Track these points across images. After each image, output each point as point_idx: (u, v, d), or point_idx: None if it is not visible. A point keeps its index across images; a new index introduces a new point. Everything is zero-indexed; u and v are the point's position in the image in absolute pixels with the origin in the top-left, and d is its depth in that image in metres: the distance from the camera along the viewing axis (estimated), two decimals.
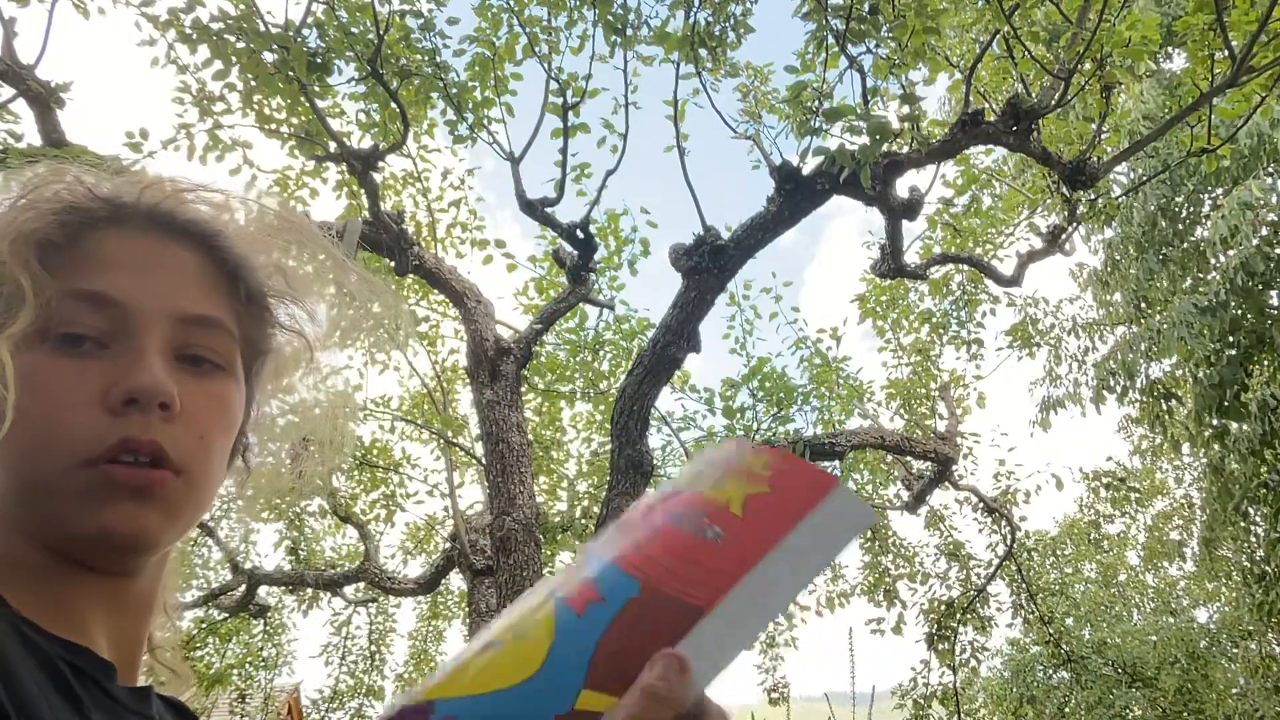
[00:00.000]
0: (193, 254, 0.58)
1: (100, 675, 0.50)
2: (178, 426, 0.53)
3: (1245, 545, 7.80)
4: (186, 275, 0.57)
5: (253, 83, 3.58)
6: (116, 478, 0.50)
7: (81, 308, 0.52)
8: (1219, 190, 6.90)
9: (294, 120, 4.10)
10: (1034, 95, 3.69)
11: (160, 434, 0.52)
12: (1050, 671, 9.33)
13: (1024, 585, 7.64)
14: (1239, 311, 5.96)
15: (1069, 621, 9.08)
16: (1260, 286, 5.97)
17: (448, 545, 6.34)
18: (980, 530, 7.35)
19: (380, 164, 3.98)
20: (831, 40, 3.19)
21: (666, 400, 9.75)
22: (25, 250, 0.51)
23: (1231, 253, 6.07)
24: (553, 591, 0.41)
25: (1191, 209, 7.31)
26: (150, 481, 0.51)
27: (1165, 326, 6.21)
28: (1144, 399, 7.41)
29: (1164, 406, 7.33)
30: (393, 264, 4.36)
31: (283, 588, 7.58)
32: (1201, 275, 6.97)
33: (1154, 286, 7.52)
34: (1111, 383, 7.03)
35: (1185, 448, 8.35)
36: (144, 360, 0.52)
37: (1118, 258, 7.83)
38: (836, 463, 6.77)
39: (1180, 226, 7.31)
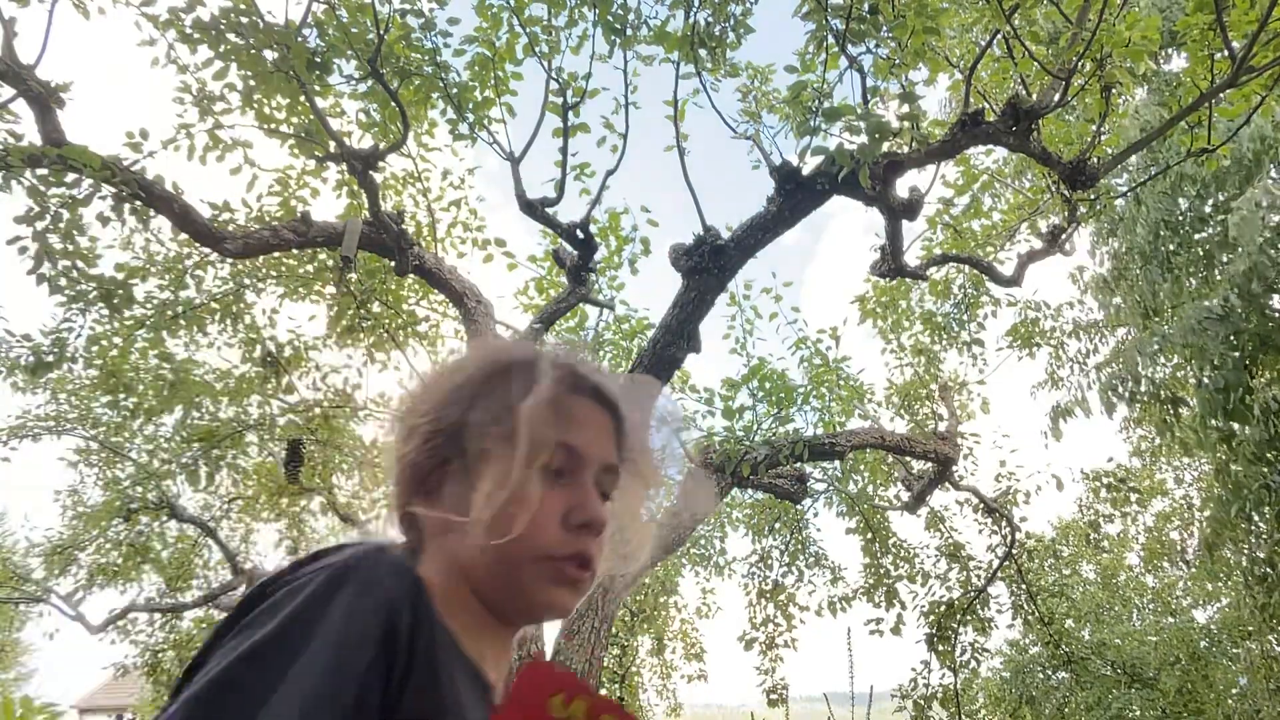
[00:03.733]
0: (608, 418, 0.83)
1: (489, 693, 0.73)
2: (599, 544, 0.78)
3: (1246, 547, 7.80)
4: (605, 433, 0.82)
5: (253, 82, 3.58)
6: (568, 574, 0.75)
7: (559, 453, 0.77)
8: (1222, 195, 6.89)
9: (294, 120, 4.10)
10: (1034, 95, 3.69)
11: (595, 551, 0.77)
12: (1050, 672, 9.33)
13: (1024, 586, 7.63)
14: (1244, 314, 5.96)
15: (1069, 622, 9.08)
16: (1265, 291, 5.97)
17: None
18: (980, 531, 7.34)
19: (380, 164, 3.99)
20: (831, 40, 3.18)
21: None
22: (550, 416, 0.77)
23: (1239, 251, 6.06)
24: None
25: (1194, 216, 7.31)
26: (584, 580, 0.76)
27: (1172, 333, 6.21)
28: (1150, 403, 7.40)
29: (1171, 411, 7.32)
30: (393, 264, 4.36)
31: None
32: (1207, 281, 6.97)
33: (1159, 292, 7.52)
34: (1120, 389, 7.02)
35: (1191, 451, 8.35)
36: (592, 496, 0.78)
37: (1123, 266, 7.83)
38: (838, 463, 6.77)
39: (1184, 232, 7.30)
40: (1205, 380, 6.17)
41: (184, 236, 4.48)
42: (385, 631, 0.62)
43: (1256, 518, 6.88)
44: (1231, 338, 6.05)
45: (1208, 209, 7.18)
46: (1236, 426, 6.33)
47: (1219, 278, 6.23)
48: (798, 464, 5.60)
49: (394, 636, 0.62)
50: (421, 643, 0.64)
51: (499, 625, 0.77)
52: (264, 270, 5.35)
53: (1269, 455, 6.27)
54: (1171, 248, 7.30)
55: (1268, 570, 7.35)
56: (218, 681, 0.57)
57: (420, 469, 0.78)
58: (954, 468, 6.59)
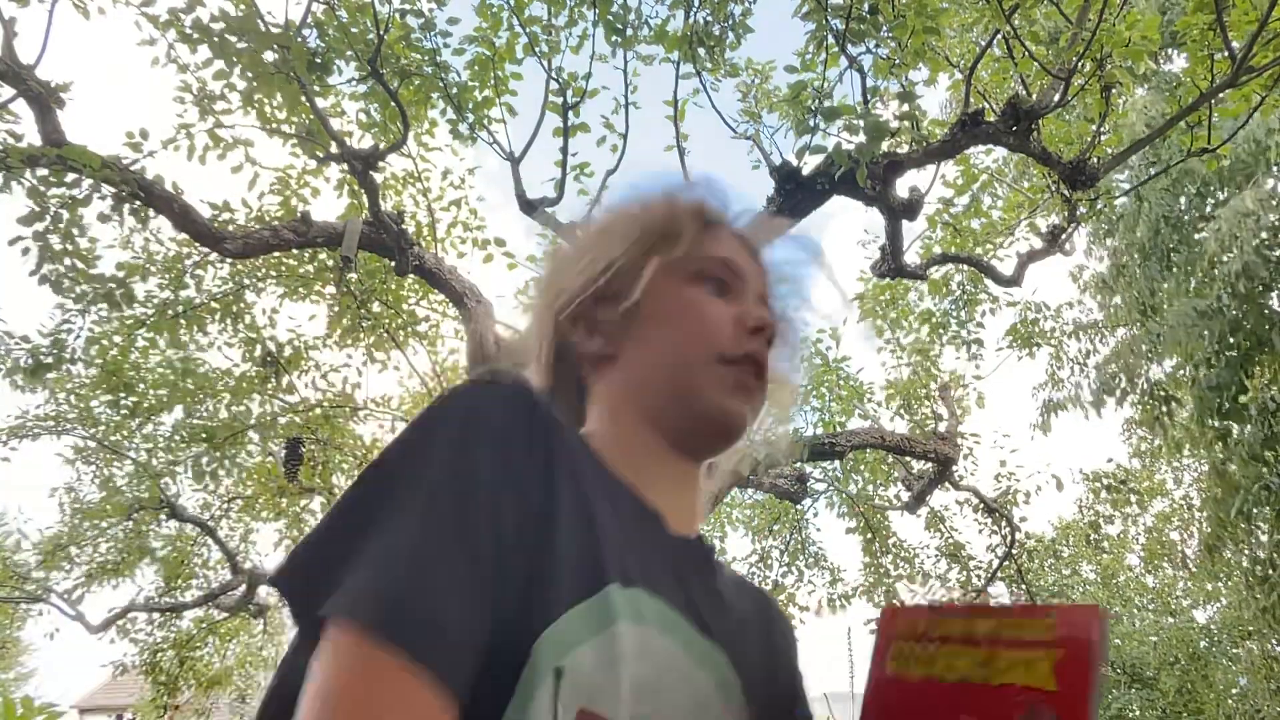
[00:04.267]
0: (759, 268, 0.81)
1: (652, 519, 0.67)
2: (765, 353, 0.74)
3: (1247, 547, 7.79)
4: (761, 278, 0.80)
5: (253, 82, 3.58)
6: (742, 380, 0.71)
7: (717, 265, 0.75)
8: (1222, 194, 6.90)
9: (294, 120, 4.10)
10: (1034, 95, 3.69)
11: (766, 358, 0.74)
12: None
13: (1024, 586, 7.63)
14: (1238, 314, 5.96)
15: None
16: (1260, 289, 5.97)
17: None
18: (980, 531, 7.35)
19: (380, 164, 3.99)
20: (831, 40, 3.19)
21: None
22: (712, 237, 0.77)
23: (1233, 253, 6.07)
24: None
25: (1194, 215, 7.31)
26: (757, 388, 0.73)
27: (1166, 329, 6.21)
28: (1145, 401, 7.41)
29: (1164, 409, 7.33)
30: (393, 264, 4.36)
31: None
32: (1205, 280, 6.98)
33: (1158, 291, 7.52)
34: (1112, 385, 7.03)
35: (1186, 450, 8.35)
36: (759, 305, 0.76)
37: (1123, 264, 7.83)
38: (838, 463, 6.77)
39: (1183, 232, 7.31)
40: (1200, 378, 6.18)
41: (184, 236, 4.48)
42: (500, 427, 0.58)
43: (1257, 516, 6.88)
44: (1229, 337, 6.05)
45: (1209, 208, 7.19)
46: (1233, 426, 6.34)
47: (1217, 276, 6.24)
48: (797, 464, 5.60)
49: (509, 433, 0.58)
50: (539, 440, 0.59)
51: (675, 455, 0.72)
52: (264, 270, 5.35)
53: (1267, 455, 6.28)
54: (1171, 245, 7.30)
55: (1269, 571, 7.35)
56: (318, 528, 0.55)
57: (580, 307, 0.74)
58: (954, 468, 6.59)
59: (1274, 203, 6.07)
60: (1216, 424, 6.29)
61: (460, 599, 0.50)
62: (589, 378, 0.75)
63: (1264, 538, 7.22)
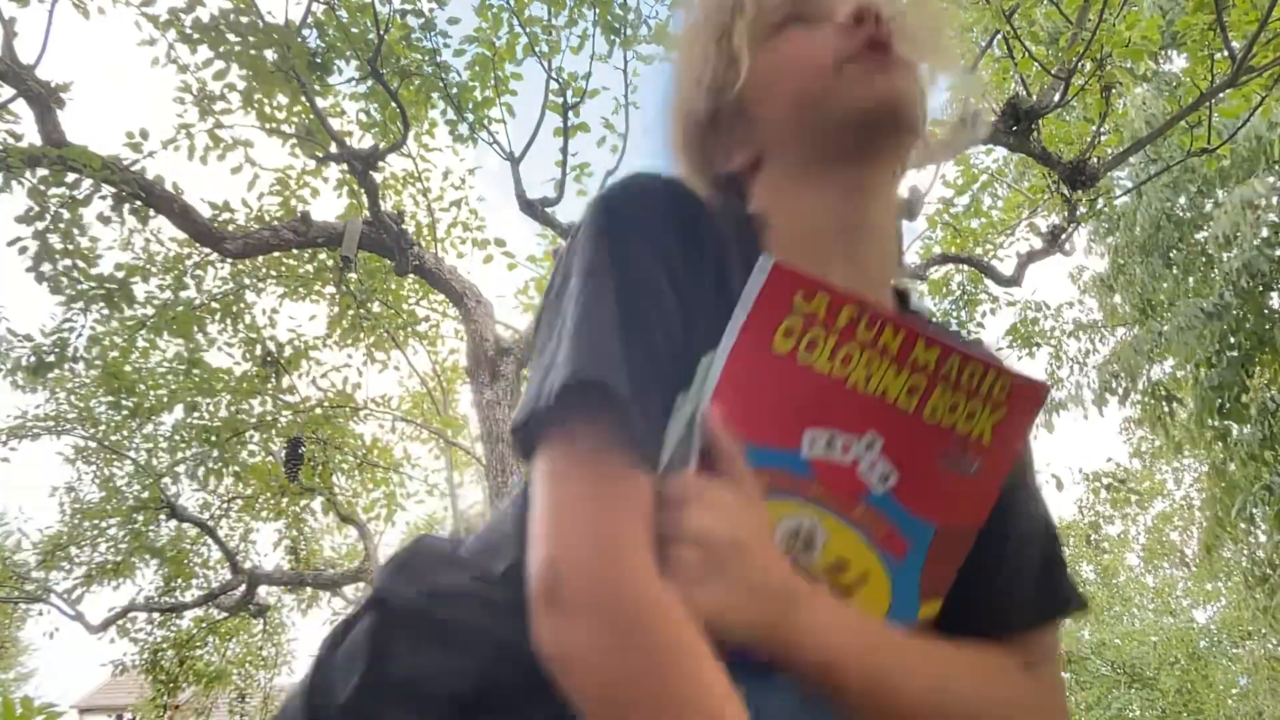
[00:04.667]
0: None
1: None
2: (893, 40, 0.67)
3: (1246, 548, 7.79)
4: None
5: (253, 82, 3.58)
6: (871, 62, 0.65)
7: (786, 5, 0.69)
8: (1221, 192, 6.90)
9: (294, 120, 4.10)
10: (1034, 95, 3.69)
11: (888, 36, 0.66)
12: None
13: None
14: (1240, 313, 5.96)
15: (1068, 622, 9.09)
16: (1261, 288, 5.97)
17: None
18: None
19: (380, 164, 3.99)
20: None
21: None
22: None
23: (1234, 253, 6.06)
24: (870, 543, 0.56)
25: (1195, 212, 7.31)
26: (890, 65, 0.65)
27: (1168, 329, 6.21)
28: (1145, 400, 7.41)
29: (1165, 409, 7.32)
30: (393, 264, 4.36)
31: (282, 587, 7.59)
32: (1206, 278, 6.98)
33: (1159, 290, 7.52)
34: (1114, 385, 7.03)
35: (1186, 450, 8.34)
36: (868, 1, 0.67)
37: (1122, 262, 7.82)
38: None
39: (1184, 230, 7.30)
40: (1201, 378, 6.17)
41: (184, 236, 4.48)
42: (646, 251, 0.59)
43: (1257, 517, 6.88)
44: (1230, 337, 6.05)
45: (1209, 206, 7.19)
46: (1233, 426, 6.34)
47: (1216, 275, 6.24)
48: None
49: (656, 254, 0.59)
50: (703, 253, 0.60)
51: (849, 204, 0.67)
52: (264, 270, 5.35)
53: (1267, 455, 6.27)
54: (1171, 243, 7.30)
55: (1268, 571, 7.35)
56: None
57: (704, 142, 0.73)
58: None
59: (1275, 200, 6.06)
60: (1217, 424, 6.28)
61: (648, 385, 0.54)
62: (752, 187, 0.71)
63: (1263, 538, 7.22)
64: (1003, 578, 0.63)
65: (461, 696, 0.57)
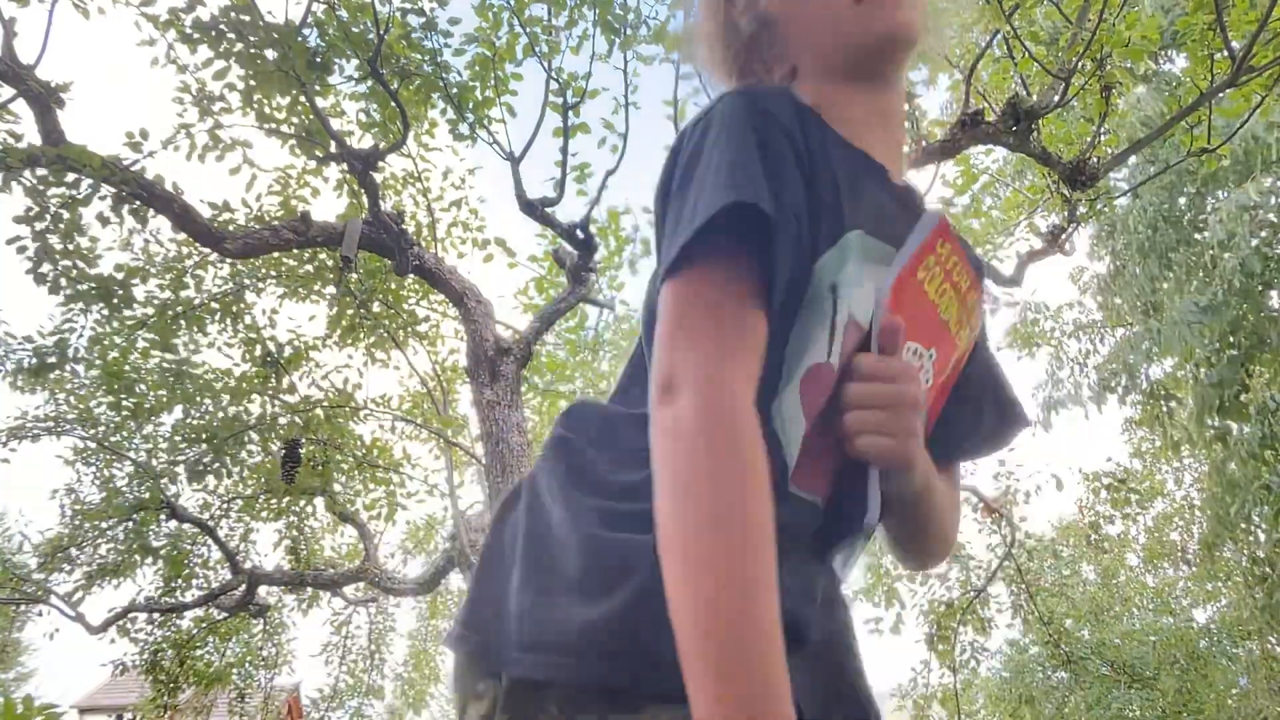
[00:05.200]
0: None
1: (878, 174, 0.79)
2: None
3: (1246, 547, 7.79)
4: None
5: (252, 82, 3.58)
6: None
7: None
8: (1221, 193, 6.90)
9: (294, 120, 4.10)
10: (1034, 95, 3.69)
11: None
12: (1049, 672, 9.33)
13: (1023, 585, 7.63)
14: (1239, 312, 5.95)
15: (1068, 622, 9.08)
16: (1260, 287, 5.97)
17: (447, 545, 6.34)
18: (980, 530, 7.35)
19: (380, 164, 3.99)
20: None
21: None
22: None
23: (1231, 252, 6.06)
24: None
25: (1194, 213, 7.31)
26: None
27: (1166, 327, 6.21)
28: (1145, 400, 7.41)
29: (1164, 408, 7.32)
30: (392, 264, 4.36)
31: (282, 587, 7.58)
32: (1206, 279, 6.98)
33: (1159, 290, 7.52)
34: (1113, 383, 7.03)
35: (1185, 449, 8.34)
36: None
37: (1120, 263, 7.83)
38: None
39: (1183, 230, 7.30)
40: (1201, 376, 6.17)
41: (184, 236, 4.48)
42: (776, 126, 0.70)
43: (1256, 517, 6.88)
44: (1229, 336, 6.05)
45: (1208, 206, 7.19)
46: (1232, 425, 6.33)
47: (1215, 275, 6.23)
48: None
49: (783, 131, 0.71)
50: (811, 136, 0.73)
51: (878, 92, 0.83)
52: (264, 270, 5.35)
53: (1267, 454, 6.27)
54: (1170, 244, 7.30)
55: (1267, 570, 7.35)
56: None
57: (743, 64, 0.87)
58: None
59: (1273, 199, 6.07)
60: (1216, 423, 6.28)
61: (789, 218, 0.66)
62: (780, 63, 0.86)
63: (1263, 537, 7.22)
64: (958, 429, 0.85)
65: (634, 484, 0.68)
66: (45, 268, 3.79)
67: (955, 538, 0.87)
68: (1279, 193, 6.18)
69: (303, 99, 3.58)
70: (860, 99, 0.81)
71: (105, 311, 4.40)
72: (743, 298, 0.64)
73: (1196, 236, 7.20)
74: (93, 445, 6.44)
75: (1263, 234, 5.91)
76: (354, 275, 5.16)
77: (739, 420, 0.60)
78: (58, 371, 4.79)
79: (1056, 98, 3.57)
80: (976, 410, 0.86)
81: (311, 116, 3.75)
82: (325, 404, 5.94)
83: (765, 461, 0.60)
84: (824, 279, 0.69)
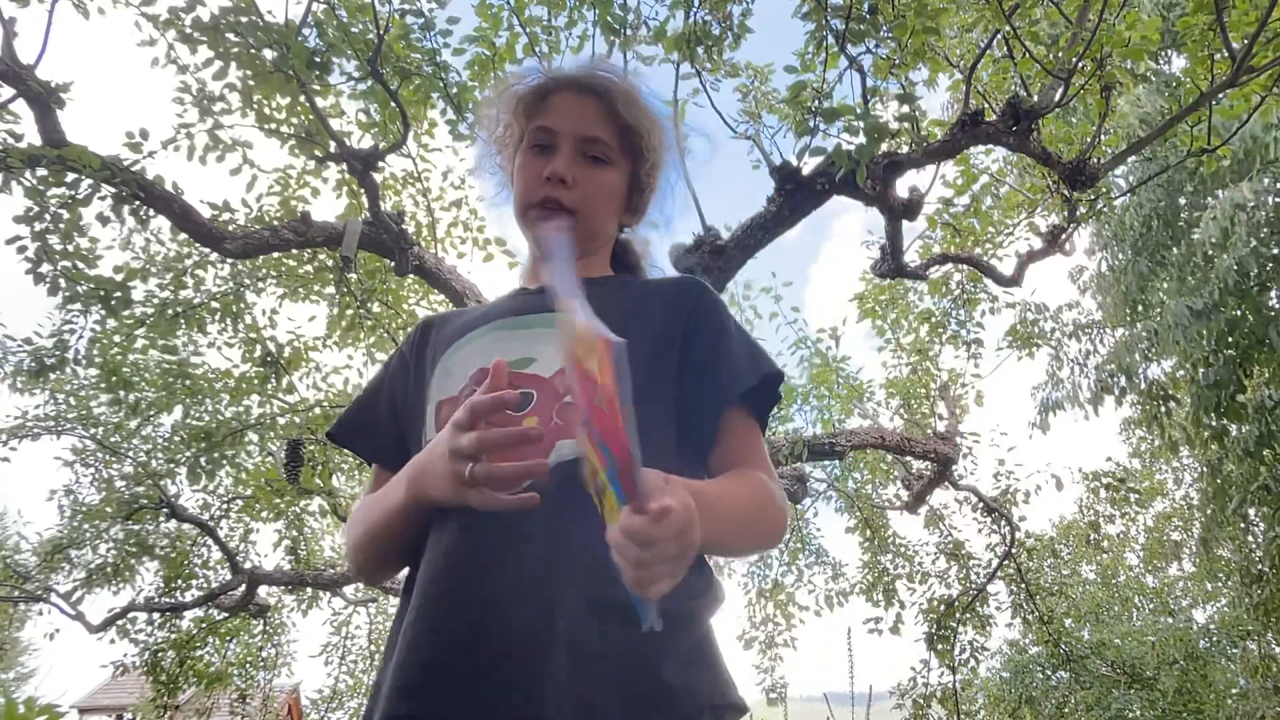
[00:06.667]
0: (593, 100, 1.11)
1: (524, 291, 1.20)
2: (573, 192, 1.08)
3: (1244, 546, 7.79)
4: (586, 112, 1.11)
5: (252, 82, 3.57)
6: (540, 214, 1.08)
7: (539, 133, 1.11)
8: (1220, 192, 6.90)
9: (294, 120, 4.10)
10: (1034, 95, 3.69)
11: (560, 195, 1.07)
12: (1049, 672, 9.33)
13: (1023, 585, 7.63)
14: (1238, 312, 5.95)
15: (1068, 622, 9.08)
16: (1257, 288, 5.97)
17: None
18: (980, 530, 7.35)
19: (380, 164, 3.98)
20: (831, 40, 3.18)
21: None
22: (519, 109, 1.13)
23: (1224, 253, 6.06)
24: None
25: (1191, 213, 7.30)
26: (550, 216, 1.07)
27: (1161, 328, 6.21)
28: (1142, 400, 7.41)
29: (1162, 408, 7.32)
30: (393, 264, 4.36)
31: (283, 588, 7.58)
32: (1203, 279, 6.98)
33: (1151, 290, 7.52)
34: (1109, 383, 7.02)
35: (1182, 449, 8.34)
36: (561, 159, 1.08)
37: (1118, 263, 7.83)
38: (837, 463, 6.76)
39: (1178, 229, 7.30)
40: (1198, 377, 6.17)
41: (184, 236, 4.48)
42: None
43: (1254, 515, 6.88)
44: (1227, 336, 6.05)
45: (1207, 206, 7.19)
46: (1229, 424, 6.33)
47: (1211, 274, 6.23)
48: (797, 464, 5.60)
49: None
50: None
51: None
52: (264, 270, 5.35)
53: (1265, 454, 6.27)
54: (1165, 242, 7.30)
55: (1263, 569, 7.35)
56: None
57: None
58: (953, 467, 6.59)
59: (1270, 199, 6.06)
60: (1213, 422, 6.28)
61: None
62: None
63: (1260, 536, 7.22)
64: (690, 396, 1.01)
65: None
66: (45, 268, 3.79)
67: (766, 523, 0.98)
68: (1275, 192, 6.17)
69: (303, 99, 3.58)
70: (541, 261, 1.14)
71: (104, 312, 4.39)
72: None
73: (1195, 235, 7.20)
74: (92, 445, 6.43)
75: (1263, 233, 5.90)
76: (354, 275, 5.15)
77: None
78: (57, 373, 4.78)
79: (1056, 98, 3.57)
80: (690, 389, 1.02)
81: (311, 117, 3.74)
82: (325, 404, 5.94)
83: None
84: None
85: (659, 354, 1.01)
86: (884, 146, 3.40)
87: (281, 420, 5.98)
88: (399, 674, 0.84)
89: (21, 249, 3.72)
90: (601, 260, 1.18)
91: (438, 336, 1.11)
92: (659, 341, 1.02)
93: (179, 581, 7.12)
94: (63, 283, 3.92)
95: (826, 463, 6.85)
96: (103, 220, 3.78)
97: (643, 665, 0.81)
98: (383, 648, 8.00)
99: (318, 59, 3.44)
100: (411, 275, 4.60)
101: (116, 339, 5.13)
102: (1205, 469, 7.48)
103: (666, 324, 1.04)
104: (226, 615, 7.51)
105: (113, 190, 3.65)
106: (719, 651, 0.93)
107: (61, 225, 3.74)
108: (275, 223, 4.48)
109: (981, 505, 7.14)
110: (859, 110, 3.11)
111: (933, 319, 6.32)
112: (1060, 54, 3.54)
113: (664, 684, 0.82)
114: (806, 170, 3.71)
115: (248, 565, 6.96)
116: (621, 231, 1.22)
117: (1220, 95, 3.46)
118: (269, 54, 3.41)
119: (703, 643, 0.90)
